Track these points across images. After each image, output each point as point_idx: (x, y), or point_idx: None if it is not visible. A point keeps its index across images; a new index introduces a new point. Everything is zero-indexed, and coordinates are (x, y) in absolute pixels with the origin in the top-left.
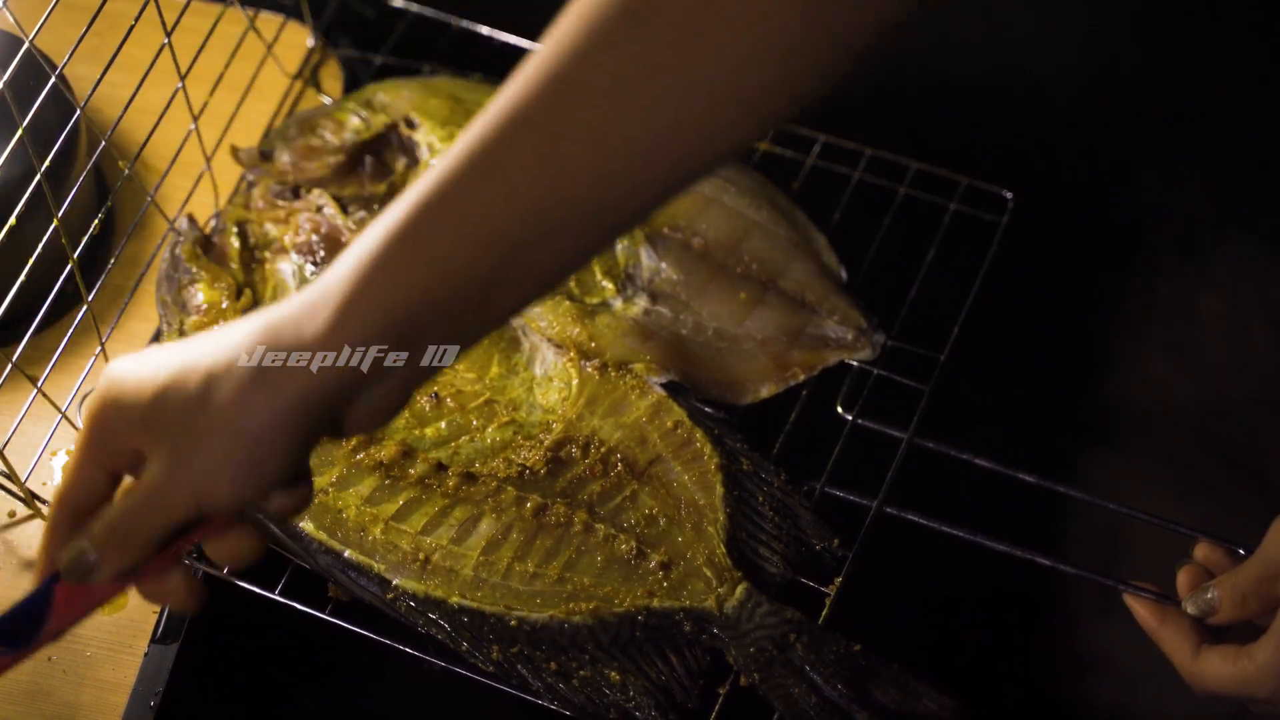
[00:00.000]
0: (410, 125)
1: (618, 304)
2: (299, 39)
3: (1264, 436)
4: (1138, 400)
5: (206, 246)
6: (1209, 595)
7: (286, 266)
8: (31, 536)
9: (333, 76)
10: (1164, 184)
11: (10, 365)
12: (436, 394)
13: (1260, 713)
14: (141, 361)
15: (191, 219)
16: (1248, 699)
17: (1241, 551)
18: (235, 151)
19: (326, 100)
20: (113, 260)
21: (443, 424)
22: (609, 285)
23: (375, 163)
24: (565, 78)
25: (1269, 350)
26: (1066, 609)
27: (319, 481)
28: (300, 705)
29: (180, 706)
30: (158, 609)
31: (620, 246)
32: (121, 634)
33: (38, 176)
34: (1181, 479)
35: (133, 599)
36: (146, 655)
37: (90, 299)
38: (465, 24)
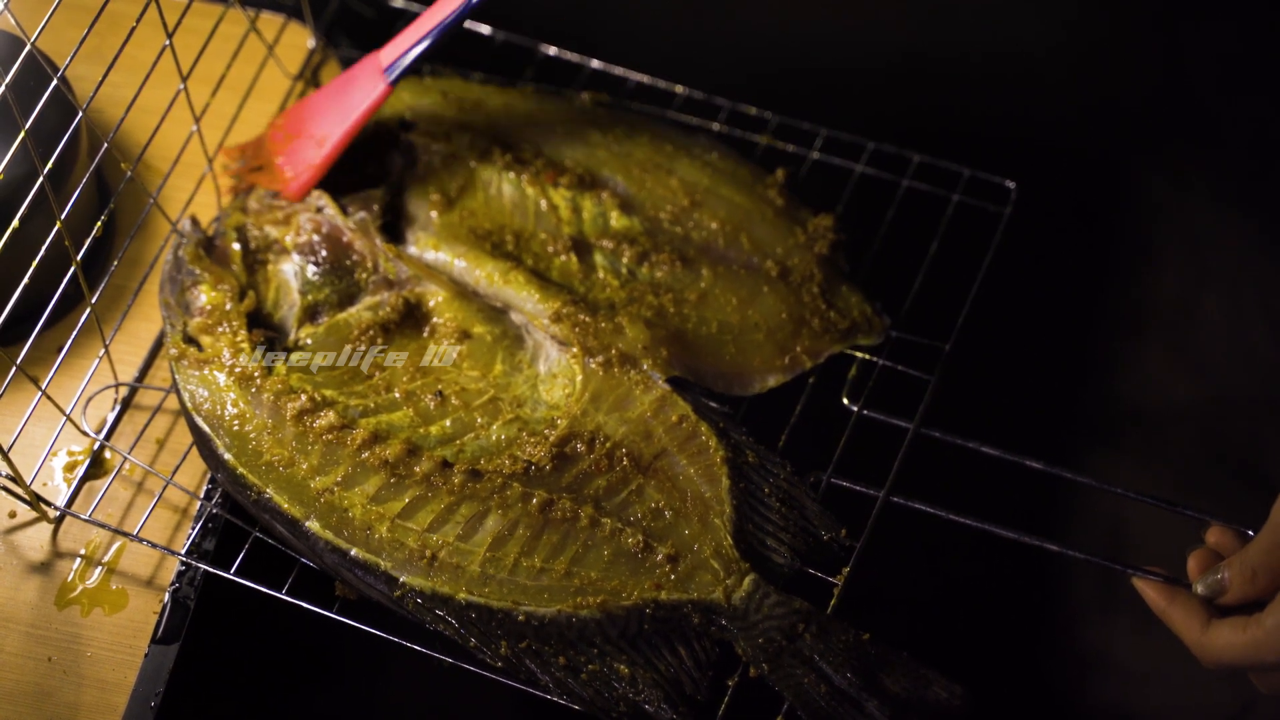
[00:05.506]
0: (407, 126)
1: (620, 299)
2: (300, 39)
3: (1264, 431)
4: (1141, 390)
5: (209, 248)
6: (1219, 575)
7: (289, 267)
8: (34, 538)
9: (333, 77)
10: (1166, 171)
11: (14, 368)
12: (441, 392)
13: (1268, 686)
14: None
15: (194, 220)
16: (1258, 666)
17: (1251, 533)
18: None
19: None
20: (115, 262)
21: (447, 422)
22: (612, 281)
23: (373, 163)
24: None
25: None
26: (1075, 596)
27: (324, 481)
28: (307, 704)
29: (181, 707)
30: (158, 609)
31: (623, 242)
32: (121, 634)
33: (40, 178)
34: (1184, 470)
35: (133, 599)
36: (147, 655)
37: (93, 300)
38: (465, 24)
